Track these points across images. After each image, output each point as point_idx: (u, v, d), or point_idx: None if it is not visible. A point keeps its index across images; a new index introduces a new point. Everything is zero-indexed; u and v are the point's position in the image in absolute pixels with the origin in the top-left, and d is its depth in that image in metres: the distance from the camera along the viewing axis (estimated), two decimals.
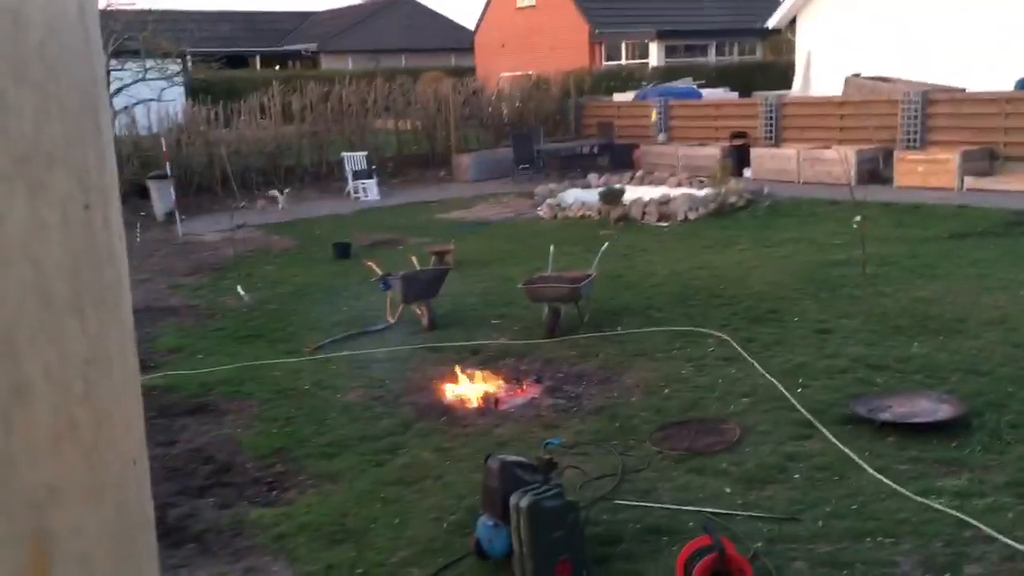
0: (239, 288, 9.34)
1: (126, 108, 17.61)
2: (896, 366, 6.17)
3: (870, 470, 4.62)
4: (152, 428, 5.80)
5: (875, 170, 15.12)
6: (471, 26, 36.04)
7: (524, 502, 3.88)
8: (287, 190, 16.31)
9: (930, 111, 15.21)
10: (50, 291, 0.58)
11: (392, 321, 8.03)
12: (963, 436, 4.96)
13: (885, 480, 4.51)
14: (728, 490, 4.57)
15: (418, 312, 7.94)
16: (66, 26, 0.68)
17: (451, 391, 6.22)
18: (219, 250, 12.30)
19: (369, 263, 8.69)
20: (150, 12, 19.39)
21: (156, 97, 18.23)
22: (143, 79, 18.84)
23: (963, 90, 15.60)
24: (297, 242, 12.69)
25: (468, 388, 6.21)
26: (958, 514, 4.13)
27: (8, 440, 0.54)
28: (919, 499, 4.30)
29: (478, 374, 6.41)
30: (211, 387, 6.69)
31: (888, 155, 15.13)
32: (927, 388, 5.68)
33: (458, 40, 39.64)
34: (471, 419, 5.78)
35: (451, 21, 43.95)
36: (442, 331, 7.73)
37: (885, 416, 5.24)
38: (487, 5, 33.64)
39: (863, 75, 17.49)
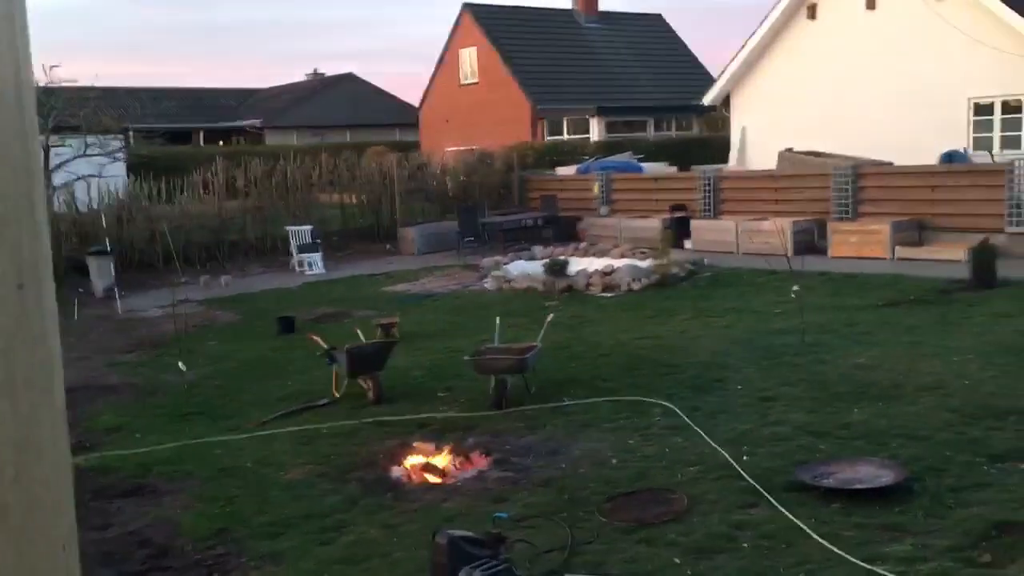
0: (180, 363, 9.16)
1: (66, 184, 17.38)
2: (838, 432, 6.26)
3: (817, 537, 4.65)
4: (87, 511, 5.59)
5: (811, 241, 15.55)
6: (415, 102, 36.59)
7: None
8: (226, 276, 16.06)
9: (861, 184, 15.78)
10: None
11: (337, 395, 7.93)
12: (905, 501, 5.03)
13: (832, 547, 4.53)
14: (677, 560, 4.54)
15: (364, 386, 7.86)
16: (2, 106, 0.69)
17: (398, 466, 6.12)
18: (160, 326, 12.07)
19: (314, 337, 8.60)
20: (91, 89, 19.32)
21: (97, 173, 18.04)
22: (84, 155, 18.67)
23: (891, 163, 16.23)
24: (241, 317, 12.52)
25: (416, 462, 6.12)
26: None
27: None
28: (866, 566, 4.33)
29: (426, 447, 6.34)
30: (149, 467, 6.49)
31: (822, 226, 15.60)
32: (869, 454, 5.76)
33: (403, 115, 40.18)
34: (418, 494, 5.69)
35: (395, 97, 44.56)
36: (389, 405, 7.65)
37: (829, 483, 5.29)
38: (431, 81, 34.24)
39: (796, 149, 18.11)
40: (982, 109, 17.40)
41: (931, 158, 15.90)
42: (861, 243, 14.74)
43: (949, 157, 15.97)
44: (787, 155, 17.94)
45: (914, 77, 17.69)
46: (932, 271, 12.65)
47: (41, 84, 18.12)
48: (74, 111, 18.34)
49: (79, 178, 17.63)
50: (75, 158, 18.17)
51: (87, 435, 7.30)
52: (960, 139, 17.15)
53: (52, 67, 19.09)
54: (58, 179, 17.47)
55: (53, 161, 17.84)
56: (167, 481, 6.21)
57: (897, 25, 18.10)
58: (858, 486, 5.22)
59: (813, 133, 18.61)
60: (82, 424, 7.52)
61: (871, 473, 5.38)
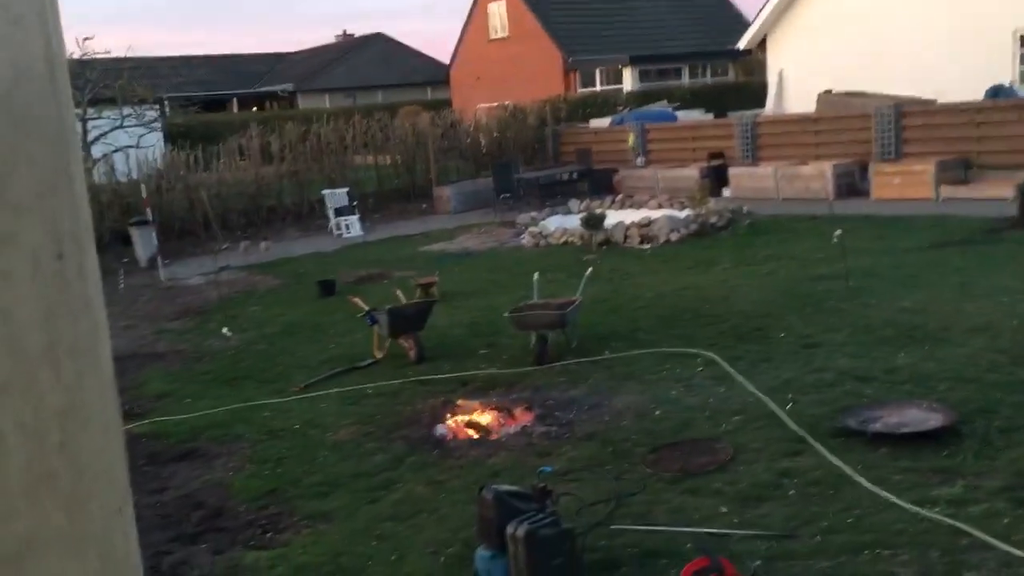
0: (224, 329, 9.30)
1: (105, 156, 17.60)
2: (884, 377, 6.19)
3: (865, 482, 4.62)
4: (141, 475, 5.74)
5: (852, 184, 15.27)
6: (446, 59, 36.32)
7: (521, 531, 3.85)
8: (266, 242, 16.13)
9: (903, 123, 15.40)
10: (22, 343, 0.58)
11: (379, 356, 8.00)
12: (954, 444, 4.97)
13: (880, 492, 4.51)
14: (724, 509, 4.55)
15: (405, 345, 7.93)
16: (33, 76, 0.69)
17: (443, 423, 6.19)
18: (203, 293, 12.25)
19: (354, 299, 8.67)
20: (126, 60, 19.46)
21: (135, 144, 18.24)
22: (121, 126, 18.86)
23: (934, 101, 15.81)
24: (281, 281, 12.66)
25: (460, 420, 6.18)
26: (954, 522, 4.13)
27: None
28: (914, 509, 4.30)
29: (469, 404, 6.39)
30: (200, 431, 6.63)
31: (864, 168, 15.30)
32: (916, 398, 5.70)
33: (433, 74, 39.93)
34: (464, 451, 5.76)
35: (426, 55, 44.28)
36: (430, 364, 7.71)
37: (876, 427, 5.24)
38: (461, 38, 33.94)
39: (835, 91, 17.71)
40: None
41: (976, 94, 15.45)
42: (905, 184, 14.43)
43: (995, 92, 15.51)
44: (826, 97, 17.56)
45: (957, 10, 17.15)
46: (979, 210, 12.36)
47: (76, 56, 18.30)
48: (109, 83, 18.51)
49: (117, 149, 17.84)
50: (112, 130, 18.37)
51: (137, 402, 7.46)
52: (1006, 73, 16.63)
53: (85, 39, 19.27)
54: (97, 151, 17.69)
55: (91, 133, 18.06)
56: (217, 444, 6.34)
57: None
58: (905, 430, 5.18)
59: (853, 73, 18.16)
60: (132, 391, 7.69)
61: (919, 417, 5.33)
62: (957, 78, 16.14)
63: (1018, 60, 16.97)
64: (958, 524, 4.11)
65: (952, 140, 14.82)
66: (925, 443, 5.01)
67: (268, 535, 4.88)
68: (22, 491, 0.56)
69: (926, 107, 15.65)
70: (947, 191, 14.01)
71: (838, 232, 8.90)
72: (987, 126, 14.56)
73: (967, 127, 14.74)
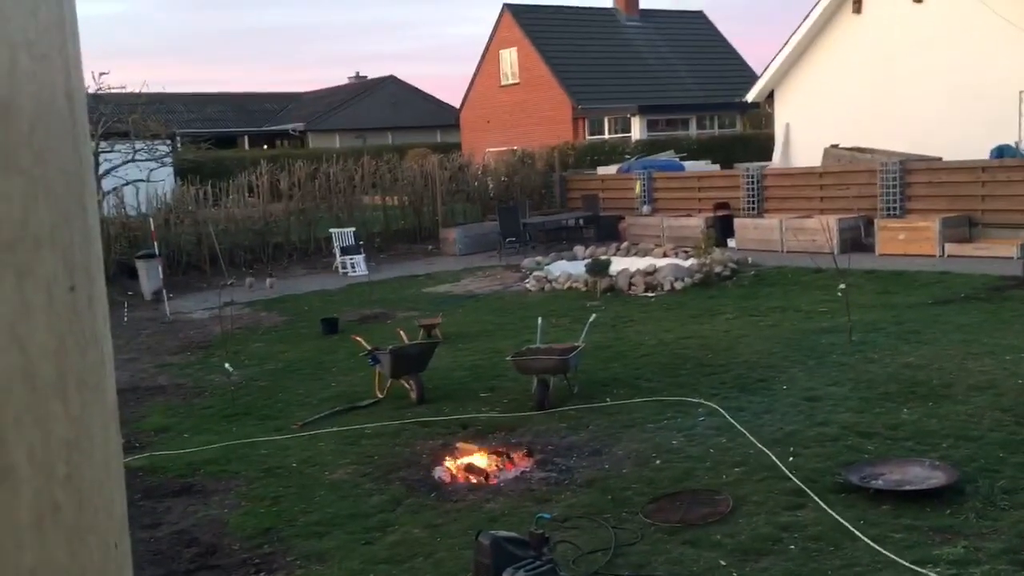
0: (227, 364, 9.29)
1: (115, 189, 17.73)
2: (886, 433, 6.16)
3: (866, 539, 4.57)
4: (136, 510, 5.69)
5: (857, 238, 15.31)
6: (456, 103, 36.71)
7: None
8: (271, 278, 16.09)
9: (908, 180, 15.50)
10: (35, 373, 0.59)
11: (381, 396, 7.98)
12: (957, 503, 4.93)
13: (881, 550, 4.46)
14: (723, 563, 4.50)
15: (407, 386, 7.90)
16: (54, 112, 0.70)
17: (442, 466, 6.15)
18: (207, 328, 12.26)
19: (357, 338, 8.67)
20: (139, 95, 19.69)
21: (145, 178, 18.38)
22: (132, 160, 19.02)
23: (940, 159, 15.92)
24: (285, 319, 12.67)
25: (459, 463, 6.14)
26: None
27: None
28: (916, 568, 4.25)
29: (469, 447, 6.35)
30: (197, 467, 6.59)
31: (869, 223, 15.36)
32: (918, 455, 5.66)
33: (443, 117, 40.34)
34: (462, 494, 5.71)
35: (436, 99, 44.74)
36: (431, 405, 7.68)
37: (878, 484, 5.20)
38: (472, 83, 34.33)
39: (841, 146, 17.85)
40: None
41: (981, 153, 15.55)
42: (909, 240, 14.48)
43: (1000, 152, 15.61)
44: (832, 151, 17.69)
45: (963, 71, 17.34)
46: (983, 268, 12.38)
47: (91, 91, 18.52)
48: (123, 117, 18.70)
49: (128, 183, 17.97)
50: (124, 163, 18.52)
51: (136, 435, 7.43)
52: (1011, 133, 16.76)
53: (101, 74, 19.53)
54: (108, 184, 17.82)
55: (103, 167, 18.21)
56: (214, 481, 6.30)
57: (945, 18, 17.75)
58: (908, 487, 5.13)
59: (859, 129, 18.32)
60: (131, 424, 7.66)
61: (921, 474, 5.29)
62: (961, 137, 16.26)
63: (1023, 120, 17.10)
64: None
65: (957, 198, 14.90)
66: (927, 501, 4.96)
67: (262, 575, 4.83)
68: (30, 524, 0.56)
69: (931, 164, 15.76)
70: (951, 248, 14.05)
71: (842, 286, 8.91)
72: (992, 184, 14.64)
73: (972, 185, 14.82)
